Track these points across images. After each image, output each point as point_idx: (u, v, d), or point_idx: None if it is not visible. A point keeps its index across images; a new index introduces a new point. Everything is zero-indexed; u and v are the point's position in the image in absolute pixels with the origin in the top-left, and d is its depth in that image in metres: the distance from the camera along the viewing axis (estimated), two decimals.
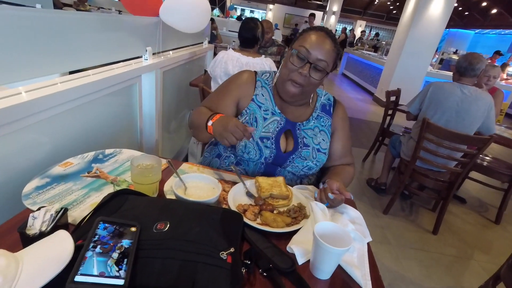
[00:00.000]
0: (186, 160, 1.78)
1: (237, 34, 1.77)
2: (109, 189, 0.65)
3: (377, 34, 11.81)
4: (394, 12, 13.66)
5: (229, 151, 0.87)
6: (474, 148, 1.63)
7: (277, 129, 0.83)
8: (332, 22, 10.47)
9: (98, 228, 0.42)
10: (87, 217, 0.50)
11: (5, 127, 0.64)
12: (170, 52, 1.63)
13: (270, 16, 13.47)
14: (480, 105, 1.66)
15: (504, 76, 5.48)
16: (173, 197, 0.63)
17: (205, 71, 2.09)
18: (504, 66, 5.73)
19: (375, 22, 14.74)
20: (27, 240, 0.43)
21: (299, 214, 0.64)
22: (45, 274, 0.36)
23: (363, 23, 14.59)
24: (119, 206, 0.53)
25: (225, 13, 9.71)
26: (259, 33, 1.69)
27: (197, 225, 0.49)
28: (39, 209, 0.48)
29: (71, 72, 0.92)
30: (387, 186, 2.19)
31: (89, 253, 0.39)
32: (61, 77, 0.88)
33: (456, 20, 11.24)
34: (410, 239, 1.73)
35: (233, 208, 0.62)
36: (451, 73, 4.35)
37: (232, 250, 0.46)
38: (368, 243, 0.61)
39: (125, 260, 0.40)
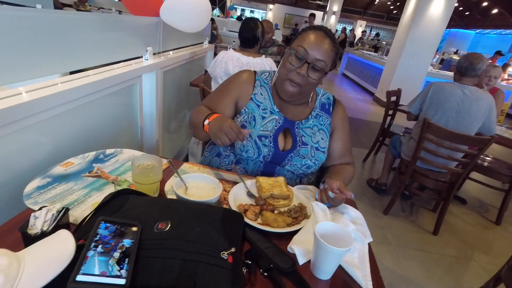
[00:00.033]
0: (186, 160, 1.79)
1: (237, 34, 1.78)
2: (110, 189, 0.65)
3: (377, 34, 11.81)
4: (395, 12, 13.66)
5: (229, 150, 0.87)
6: (474, 149, 1.62)
7: (276, 127, 0.83)
8: (332, 22, 10.46)
9: (100, 228, 0.42)
10: (88, 216, 0.50)
11: (6, 127, 0.64)
12: (171, 52, 1.63)
13: (270, 16, 13.47)
14: (481, 105, 1.66)
15: (505, 76, 5.47)
16: (174, 197, 0.63)
17: (206, 71, 2.09)
18: (505, 66, 5.72)
19: (376, 22, 14.73)
20: (29, 239, 0.43)
21: (299, 214, 0.64)
22: (47, 273, 0.36)
23: (364, 23, 14.58)
24: (120, 206, 0.53)
25: (225, 13, 9.72)
26: (259, 33, 1.69)
27: (198, 225, 0.49)
28: (40, 208, 0.48)
29: (71, 72, 0.92)
30: (387, 186, 2.19)
31: (90, 253, 0.39)
32: (62, 77, 0.88)
33: (457, 20, 11.23)
34: (410, 240, 1.73)
35: (234, 208, 0.63)
36: (451, 73, 4.36)
37: (233, 250, 0.46)
38: (368, 244, 0.61)
39: (127, 259, 0.40)
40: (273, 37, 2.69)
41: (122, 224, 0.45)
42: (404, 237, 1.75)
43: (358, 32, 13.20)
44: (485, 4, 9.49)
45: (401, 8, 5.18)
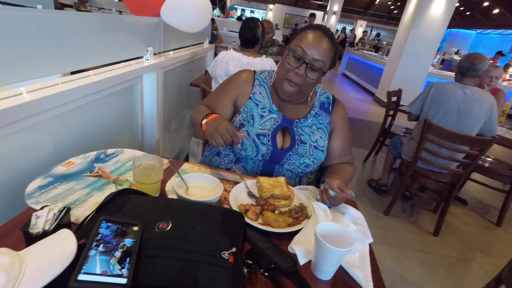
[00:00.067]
0: (186, 160, 1.79)
1: (237, 34, 1.78)
2: (111, 189, 0.65)
3: (378, 34, 11.79)
4: (395, 12, 13.64)
5: (229, 149, 0.87)
6: (475, 149, 1.62)
7: (274, 126, 0.84)
8: (333, 22, 10.46)
9: (101, 227, 0.43)
10: (90, 216, 0.51)
11: (8, 127, 0.64)
12: (171, 52, 1.63)
13: (270, 16, 13.47)
14: (482, 106, 1.65)
15: (507, 77, 5.45)
16: (175, 197, 0.63)
17: (206, 71, 2.09)
18: (506, 66, 5.71)
19: (376, 22, 14.72)
20: (30, 239, 0.43)
21: (300, 214, 0.64)
22: (49, 272, 0.36)
23: (364, 23, 14.57)
24: (121, 205, 0.53)
25: (226, 13, 9.72)
26: (259, 33, 1.69)
27: (199, 224, 0.50)
28: (42, 208, 0.48)
29: (72, 73, 0.93)
30: (388, 187, 2.19)
31: (92, 252, 0.39)
32: (63, 77, 0.88)
33: (458, 20, 11.21)
34: (411, 240, 1.73)
35: (235, 208, 0.63)
36: (452, 74, 4.35)
37: (233, 250, 0.46)
38: (369, 244, 0.61)
39: (128, 259, 0.40)
40: (273, 37, 2.69)
41: (123, 223, 0.45)
42: (405, 237, 1.75)
43: (359, 32, 13.19)
44: (486, 4, 9.47)
45: (401, 8, 5.17)
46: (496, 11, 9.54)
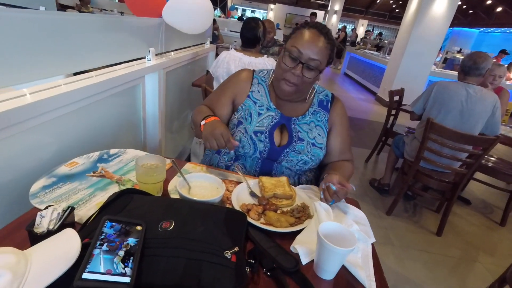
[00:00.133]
0: (188, 160, 1.79)
1: (238, 34, 1.78)
2: (114, 189, 0.66)
3: (380, 34, 11.74)
4: (397, 11, 13.57)
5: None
6: (479, 149, 1.61)
7: (272, 123, 0.84)
8: (334, 21, 10.42)
9: (105, 227, 0.43)
10: (93, 216, 0.51)
11: (11, 128, 0.65)
12: (172, 53, 1.64)
13: (271, 16, 13.46)
14: (486, 105, 1.64)
15: (510, 75, 5.41)
16: (178, 197, 0.63)
17: (207, 72, 2.10)
18: (510, 65, 5.65)
19: (378, 21, 14.65)
20: (35, 238, 0.44)
21: (302, 214, 0.64)
22: (53, 271, 0.36)
23: (365, 22, 14.51)
24: (125, 205, 0.53)
25: (226, 14, 9.72)
26: (260, 32, 1.69)
27: (201, 224, 0.50)
28: (46, 208, 0.49)
29: (75, 74, 0.93)
30: (390, 186, 2.18)
31: (96, 251, 0.39)
32: (65, 78, 0.89)
33: (460, 18, 11.13)
34: (413, 240, 1.72)
35: (237, 207, 0.63)
36: (455, 73, 4.32)
37: (236, 249, 0.46)
38: (372, 244, 0.61)
39: (131, 258, 0.40)
40: (275, 37, 2.69)
41: (126, 223, 0.45)
42: (407, 237, 1.74)
43: (360, 32, 13.13)
44: (489, 2, 9.40)
45: (403, 6, 5.15)
46: (499, 9, 9.47)
